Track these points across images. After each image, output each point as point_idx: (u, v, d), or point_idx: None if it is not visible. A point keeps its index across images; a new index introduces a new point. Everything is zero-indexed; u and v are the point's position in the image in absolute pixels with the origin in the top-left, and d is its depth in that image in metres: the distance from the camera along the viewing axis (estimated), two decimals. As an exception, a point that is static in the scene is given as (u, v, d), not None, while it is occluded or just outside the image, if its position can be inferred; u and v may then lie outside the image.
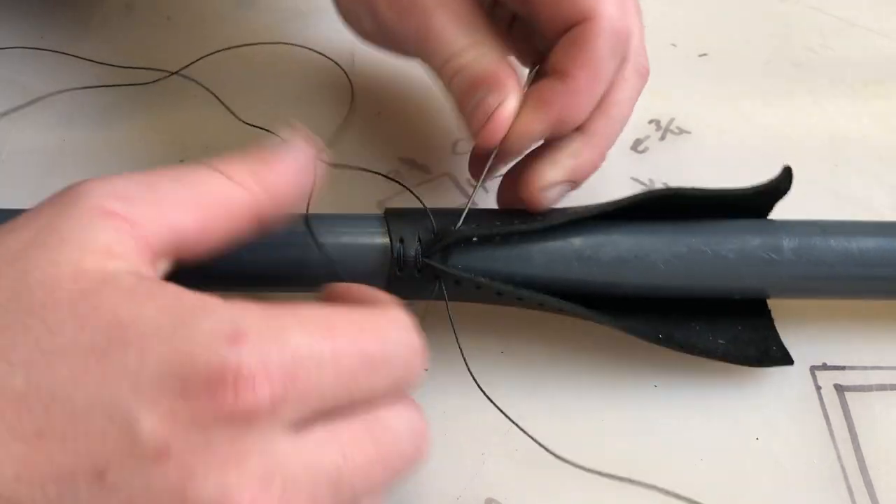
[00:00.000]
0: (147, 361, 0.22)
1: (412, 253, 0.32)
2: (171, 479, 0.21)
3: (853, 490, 0.32)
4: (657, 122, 0.43)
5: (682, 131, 0.43)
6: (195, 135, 0.43)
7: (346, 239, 0.32)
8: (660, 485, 0.31)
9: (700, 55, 0.47)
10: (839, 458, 0.32)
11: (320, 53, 0.47)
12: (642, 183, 0.41)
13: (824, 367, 0.35)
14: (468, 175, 0.37)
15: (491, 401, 0.32)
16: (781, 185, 0.34)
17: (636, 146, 0.42)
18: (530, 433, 0.31)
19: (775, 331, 0.35)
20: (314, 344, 0.23)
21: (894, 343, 0.36)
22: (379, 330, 0.24)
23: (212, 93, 0.44)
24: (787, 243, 0.33)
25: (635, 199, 0.33)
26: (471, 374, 0.32)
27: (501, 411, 0.32)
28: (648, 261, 0.32)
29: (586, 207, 0.33)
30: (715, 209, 0.34)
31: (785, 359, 0.34)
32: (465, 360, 0.32)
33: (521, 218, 0.33)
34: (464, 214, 0.32)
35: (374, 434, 0.24)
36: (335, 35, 0.48)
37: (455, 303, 0.33)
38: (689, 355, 0.34)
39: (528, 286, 0.32)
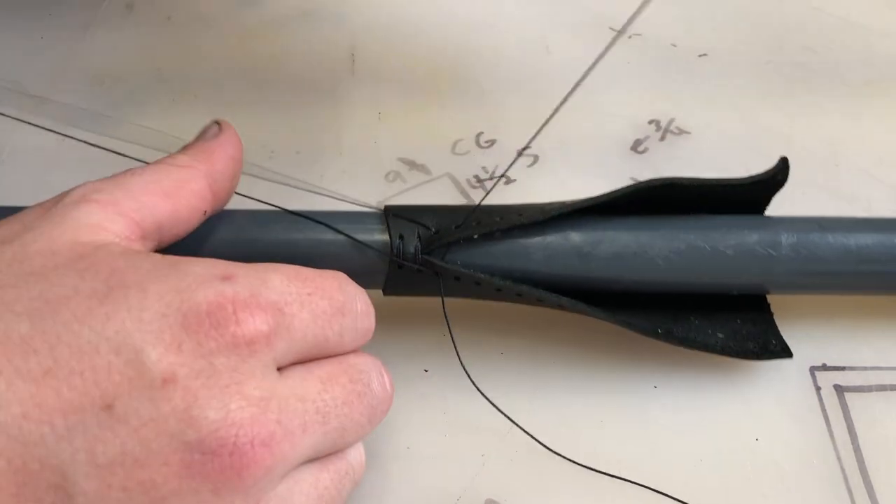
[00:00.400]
0: (148, 299, 0.23)
1: (412, 250, 0.32)
2: (177, 404, 0.23)
3: (853, 491, 0.32)
4: (657, 123, 0.43)
5: (682, 131, 0.43)
6: (195, 135, 0.43)
7: (346, 234, 0.32)
8: (660, 485, 0.31)
9: (700, 55, 0.47)
10: (839, 459, 0.32)
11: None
12: (642, 183, 0.41)
13: (824, 367, 0.35)
14: (468, 175, 0.37)
15: (486, 397, 0.32)
16: (778, 175, 0.34)
17: (636, 146, 0.42)
18: (530, 433, 0.31)
19: (774, 325, 0.35)
20: (291, 285, 0.26)
21: (894, 343, 0.36)
22: (338, 282, 0.27)
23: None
24: (786, 239, 0.33)
25: (632, 188, 0.33)
26: (465, 370, 0.32)
27: (497, 408, 0.32)
28: (647, 257, 0.33)
29: (585, 199, 0.33)
30: (713, 203, 0.34)
31: (784, 352, 0.34)
32: (459, 356, 0.32)
33: (520, 212, 0.33)
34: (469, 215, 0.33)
35: (348, 373, 0.27)
36: (336, 34, 0.48)
37: (455, 302, 0.33)
38: (689, 353, 0.34)
39: (527, 282, 0.32)
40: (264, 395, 0.24)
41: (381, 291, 0.33)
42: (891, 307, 0.36)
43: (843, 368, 0.35)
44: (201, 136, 0.31)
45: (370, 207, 0.35)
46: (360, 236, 0.32)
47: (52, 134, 0.43)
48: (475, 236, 0.32)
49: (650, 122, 0.43)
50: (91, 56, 0.47)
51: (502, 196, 0.40)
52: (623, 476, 0.31)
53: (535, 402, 0.34)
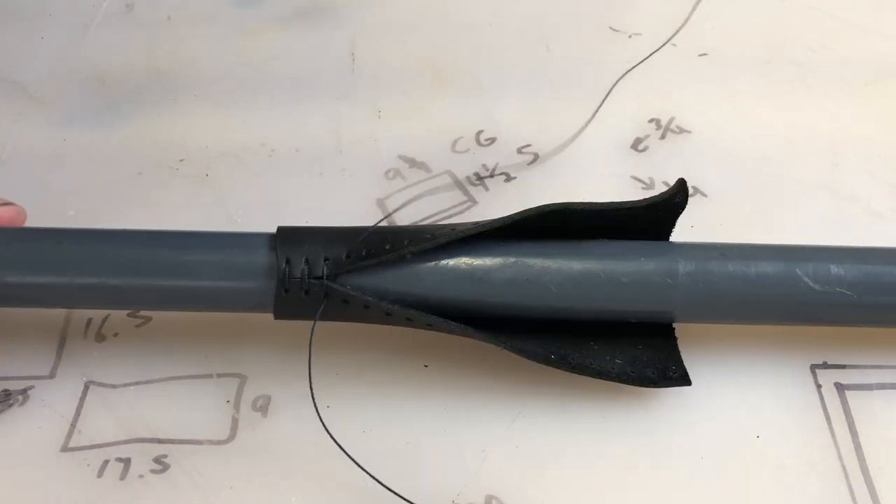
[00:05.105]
0: None
1: (297, 273, 0.31)
2: None
3: (854, 489, 0.31)
4: (657, 121, 0.43)
5: (682, 130, 0.43)
6: (195, 135, 0.43)
7: (232, 257, 0.32)
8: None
9: (700, 55, 0.47)
10: (840, 457, 0.32)
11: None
12: (642, 182, 0.41)
13: (825, 365, 0.35)
14: (468, 172, 0.37)
15: (335, 440, 0.31)
16: (676, 197, 0.33)
17: (636, 145, 0.42)
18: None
19: (677, 351, 0.34)
20: None
21: (895, 342, 0.36)
22: None
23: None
24: (683, 267, 0.32)
25: (525, 214, 0.32)
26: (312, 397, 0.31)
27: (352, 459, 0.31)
28: (540, 283, 0.32)
29: (476, 225, 0.32)
30: (615, 228, 0.33)
31: (683, 379, 0.33)
32: (311, 384, 0.31)
33: (410, 237, 0.32)
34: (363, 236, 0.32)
35: None
36: (335, 33, 0.48)
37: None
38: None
39: (419, 307, 0.31)
40: None
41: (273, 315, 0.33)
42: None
43: (843, 366, 0.35)
44: None
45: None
46: (247, 258, 0.32)
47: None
48: (364, 264, 0.31)
49: (650, 121, 0.43)
50: (91, 56, 0.47)
51: (504, 193, 0.40)
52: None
53: (535, 399, 0.34)
